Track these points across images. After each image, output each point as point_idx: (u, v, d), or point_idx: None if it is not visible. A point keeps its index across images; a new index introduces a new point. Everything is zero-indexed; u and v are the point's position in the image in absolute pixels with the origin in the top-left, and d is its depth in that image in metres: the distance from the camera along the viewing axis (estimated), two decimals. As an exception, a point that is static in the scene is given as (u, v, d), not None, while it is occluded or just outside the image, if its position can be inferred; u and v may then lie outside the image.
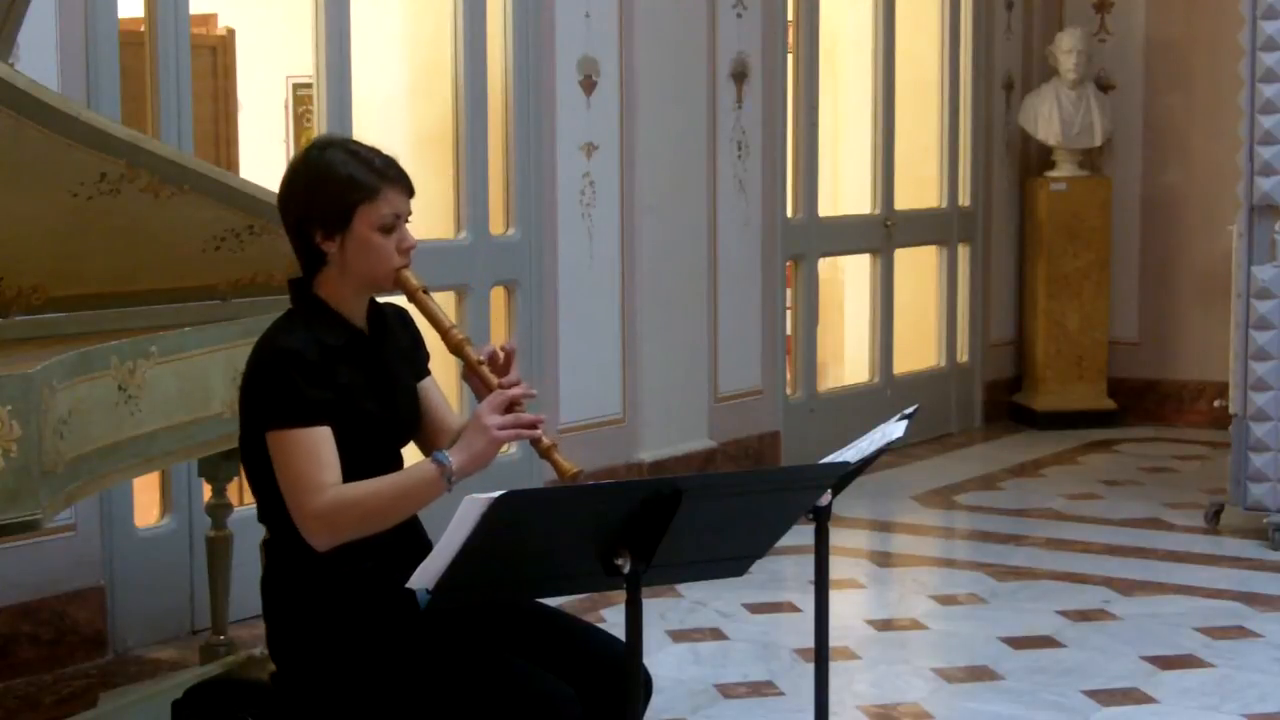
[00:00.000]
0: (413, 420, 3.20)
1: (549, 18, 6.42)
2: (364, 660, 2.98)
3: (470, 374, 3.07)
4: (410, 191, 3.08)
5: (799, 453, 7.63)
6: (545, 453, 2.97)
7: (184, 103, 5.21)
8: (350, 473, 2.98)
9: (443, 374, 3.41)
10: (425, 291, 3.07)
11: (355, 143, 3.11)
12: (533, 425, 2.96)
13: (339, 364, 3.01)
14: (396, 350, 3.19)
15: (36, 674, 4.83)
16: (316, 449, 2.94)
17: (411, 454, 3.15)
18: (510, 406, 2.95)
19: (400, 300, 3.16)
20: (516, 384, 3.01)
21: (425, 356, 3.28)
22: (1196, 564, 6.20)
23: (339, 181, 3.01)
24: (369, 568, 3.00)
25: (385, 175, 3.03)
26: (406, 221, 3.07)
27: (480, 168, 6.24)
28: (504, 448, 3.06)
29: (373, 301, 3.16)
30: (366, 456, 3.04)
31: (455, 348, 3.04)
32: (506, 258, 6.33)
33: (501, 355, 3.07)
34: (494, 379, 3.02)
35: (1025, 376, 9.31)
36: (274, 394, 2.95)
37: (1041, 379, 9.09)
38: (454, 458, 2.92)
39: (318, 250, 3.04)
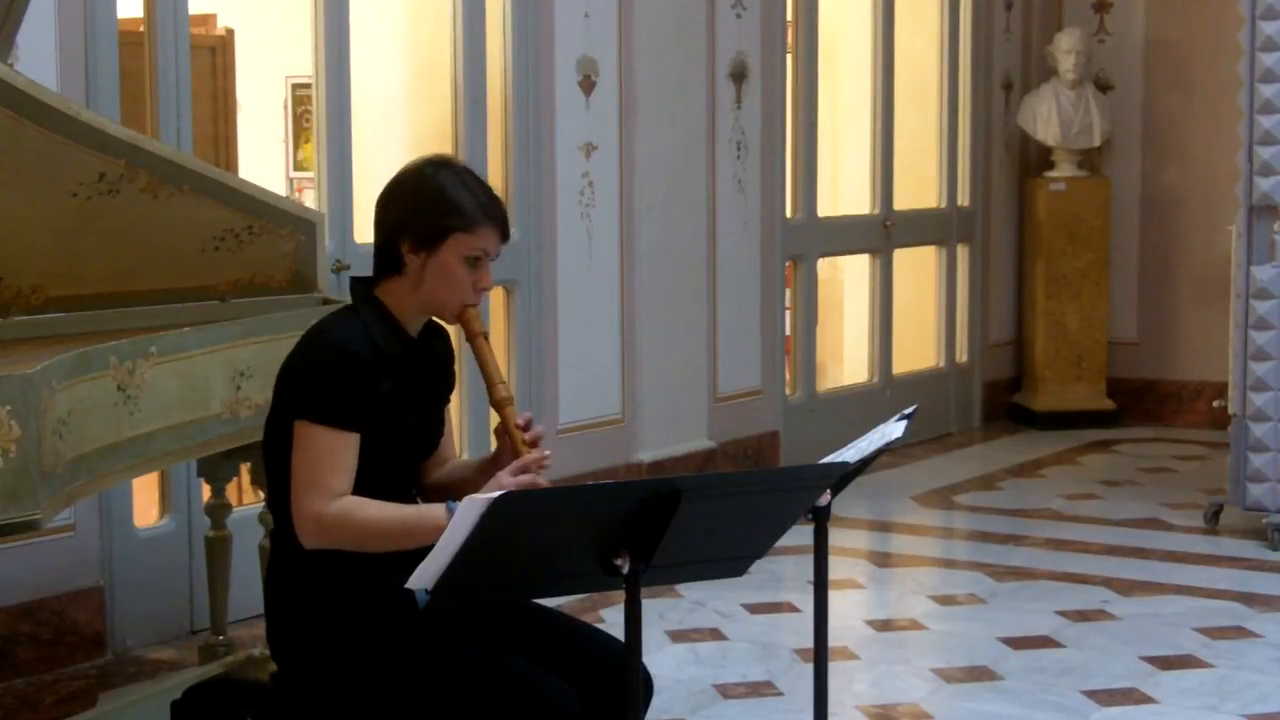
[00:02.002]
0: (439, 436, 3.23)
1: (548, 18, 6.41)
2: (364, 660, 2.99)
3: (501, 432, 3.11)
4: (505, 237, 3.12)
5: (799, 453, 7.63)
6: None
7: (183, 103, 5.21)
8: (372, 478, 3.01)
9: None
10: (485, 337, 3.11)
11: (470, 173, 3.15)
12: None
13: (388, 371, 3.05)
14: (439, 365, 3.23)
15: (36, 674, 4.82)
16: (338, 453, 2.97)
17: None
18: (533, 484, 2.97)
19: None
20: (543, 456, 3.03)
21: (453, 378, 3.32)
22: (1196, 564, 6.20)
23: (445, 203, 3.06)
24: (382, 567, 2.99)
25: (488, 213, 3.08)
26: (491, 261, 3.10)
27: (480, 168, 6.23)
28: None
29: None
30: (391, 465, 3.08)
31: (498, 404, 3.09)
32: (506, 258, 6.27)
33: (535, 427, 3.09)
34: (525, 448, 3.05)
35: (1025, 376, 9.30)
36: (317, 387, 2.98)
37: (1041, 379, 9.08)
38: None
39: (399, 258, 3.08)
